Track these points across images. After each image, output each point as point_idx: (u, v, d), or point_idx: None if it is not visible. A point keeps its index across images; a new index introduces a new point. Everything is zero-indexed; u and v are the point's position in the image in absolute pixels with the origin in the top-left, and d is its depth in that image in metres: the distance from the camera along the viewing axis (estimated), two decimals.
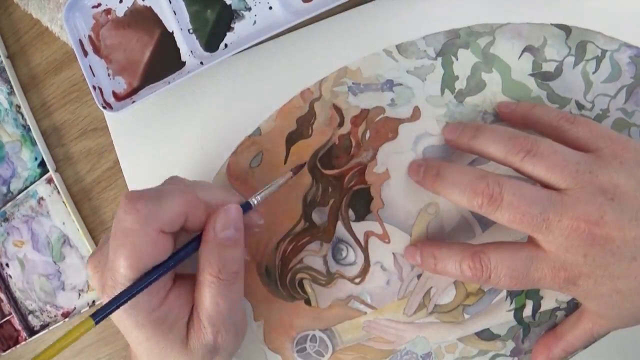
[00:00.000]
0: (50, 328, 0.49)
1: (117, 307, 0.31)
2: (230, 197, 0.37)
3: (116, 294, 0.31)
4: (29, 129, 0.47)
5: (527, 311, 0.41)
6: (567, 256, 0.32)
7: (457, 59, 0.40)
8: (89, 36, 0.43)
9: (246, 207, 0.36)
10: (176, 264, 0.33)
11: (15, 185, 0.49)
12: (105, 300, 0.32)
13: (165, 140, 0.45)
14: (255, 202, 0.37)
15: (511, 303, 0.41)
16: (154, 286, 0.32)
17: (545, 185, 0.34)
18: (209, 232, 0.34)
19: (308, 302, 0.43)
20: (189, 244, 0.34)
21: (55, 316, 0.49)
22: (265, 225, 0.42)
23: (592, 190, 0.32)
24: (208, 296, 0.34)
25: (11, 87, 0.48)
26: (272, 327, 0.43)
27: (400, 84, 0.41)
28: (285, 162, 0.42)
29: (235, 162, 0.43)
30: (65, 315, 0.49)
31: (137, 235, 0.31)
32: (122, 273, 0.31)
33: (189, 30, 0.42)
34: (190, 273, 0.35)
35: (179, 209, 0.33)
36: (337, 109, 0.42)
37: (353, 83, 0.41)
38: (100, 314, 0.31)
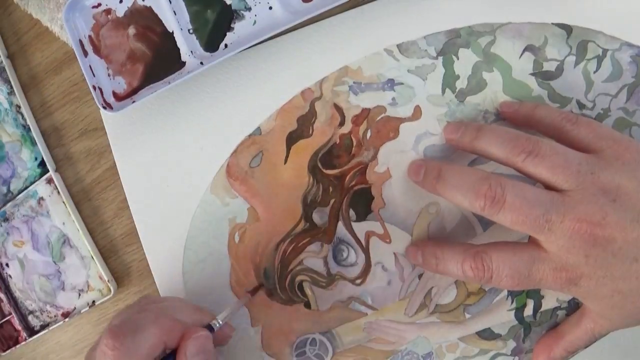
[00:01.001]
0: (50, 328, 0.49)
1: None
2: (201, 316, 0.39)
3: None
4: (29, 129, 0.47)
5: (528, 310, 0.41)
6: (568, 257, 0.32)
7: (458, 59, 0.40)
8: (89, 36, 0.43)
9: (210, 329, 0.38)
10: None
11: (15, 185, 0.49)
12: None
13: (164, 141, 0.45)
14: (218, 325, 0.38)
15: (512, 302, 0.41)
16: None
17: (547, 186, 0.34)
18: (181, 357, 0.35)
19: (308, 305, 0.43)
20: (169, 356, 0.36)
21: (55, 316, 0.49)
22: (265, 226, 0.42)
23: (593, 191, 0.32)
24: None
25: (11, 87, 0.47)
26: (271, 333, 0.43)
27: (401, 83, 0.41)
28: (285, 162, 0.42)
29: (235, 162, 0.43)
30: (65, 315, 0.49)
31: None
32: None
33: (189, 30, 0.42)
34: None
35: (155, 340, 0.35)
36: (338, 109, 0.42)
37: (354, 82, 0.41)
38: None
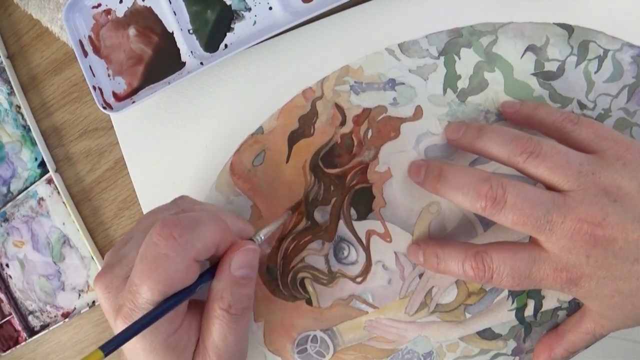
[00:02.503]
0: (51, 328, 0.49)
1: (136, 334, 0.30)
2: (246, 227, 0.37)
3: (136, 318, 0.31)
4: (29, 129, 0.47)
5: (529, 310, 0.41)
6: (569, 257, 0.32)
7: (459, 58, 0.40)
8: (89, 36, 0.43)
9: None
10: (194, 291, 0.33)
11: (15, 186, 0.49)
12: (120, 325, 0.31)
13: (169, 140, 0.45)
14: (260, 239, 0.37)
15: (513, 302, 0.41)
16: (172, 312, 0.32)
17: (548, 187, 0.34)
18: (225, 268, 0.34)
19: (309, 302, 0.43)
20: (205, 273, 0.34)
21: (55, 316, 0.49)
22: (268, 223, 0.42)
23: (595, 191, 0.32)
24: (217, 328, 0.33)
25: (11, 87, 0.47)
26: (273, 328, 0.43)
27: (403, 83, 0.41)
28: (287, 161, 0.42)
29: (238, 161, 0.43)
30: (65, 315, 0.49)
31: (171, 262, 0.31)
32: (149, 298, 0.31)
33: (189, 30, 0.42)
34: (201, 300, 0.35)
35: (213, 239, 0.33)
36: (339, 108, 0.42)
37: (355, 82, 0.41)
38: (115, 342, 0.29)
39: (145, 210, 0.46)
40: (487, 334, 0.41)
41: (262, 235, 0.37)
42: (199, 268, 0.33)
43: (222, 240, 0.33)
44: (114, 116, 0.46)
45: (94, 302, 0.47)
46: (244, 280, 0.34)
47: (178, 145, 0.45)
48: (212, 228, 0.33)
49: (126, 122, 0.46)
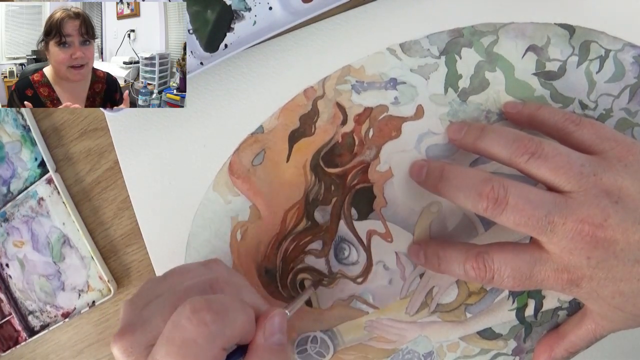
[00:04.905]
0: (50, 328, 0.49)
1: None
2: (260, 303, 0.36)
3: None
4: (29, 129, 0.47)
5: (529, 310, 0.41)
6: (570, 258, 0.32)
7: (460, 58, 0.40)
8: None
9: None
10: None
11: (15, 186, 0.48)
12: None
13: (167, 139, 0.44)
14: (287, 315, 0.36)
15: (513, 302, 0.41)
16: None
17: (550, 187, 0.34)
18: (259, 339, 0.33)
19: (309, 303, 0.43)
20: (234, 353, 0.33)
21: (55, 316, 0.49)
22: (267, 224, 0.42)
23: (596, 192, 0.32)
24: None
25: None
26: None
27: (404, 83, 0.41)
28: (287, 160, 0.42)
29: (238, 160, 0.43)
30: (65, 315, 0.49)
31: (200, 349, 0.30)
32: None
33: (189, 30, 0.42)
34: None
35: (243, 328, 0.32)
36: (341, 107, 0.41)
37: (356, 81, 0.41)
38: None
39: (138, 213, 0.45)
40: (487, 334, 0.41)
41: (287, 311, 0.36)
42: (225, 357, 0.31)
43: (249, 329, 0.32)
44: (109, 117, 0.45)
45: (94, 302, 0.47)
46: (278, 346, 0.33)
47: (176, 144, 0.44)
48: (242, 317, 0.32)
49: (122, 122, 0.45)
